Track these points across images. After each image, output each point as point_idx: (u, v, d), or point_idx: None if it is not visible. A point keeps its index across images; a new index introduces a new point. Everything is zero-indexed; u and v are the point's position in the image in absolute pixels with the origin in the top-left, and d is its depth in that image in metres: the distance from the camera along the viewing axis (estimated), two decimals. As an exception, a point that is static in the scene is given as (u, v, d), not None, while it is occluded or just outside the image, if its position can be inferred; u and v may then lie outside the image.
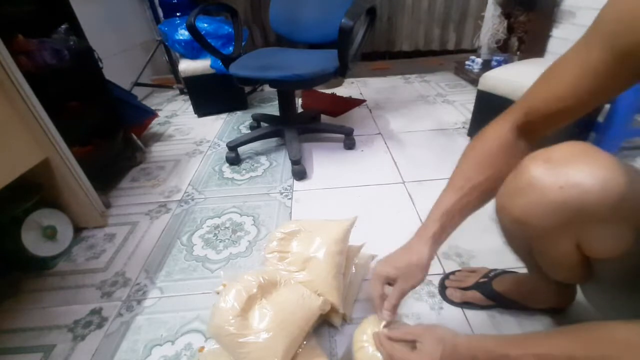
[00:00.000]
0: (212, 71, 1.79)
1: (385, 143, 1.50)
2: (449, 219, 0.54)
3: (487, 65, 2.06)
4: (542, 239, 0.50)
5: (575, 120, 0.48)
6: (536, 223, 0.46)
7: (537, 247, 0.54)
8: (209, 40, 1.33)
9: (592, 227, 0.44)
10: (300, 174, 1.28)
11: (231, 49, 1.63)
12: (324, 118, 1.78)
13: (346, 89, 2.18)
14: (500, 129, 0.53)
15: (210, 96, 1.90)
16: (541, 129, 0.51)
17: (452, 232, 0.56)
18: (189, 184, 1.31)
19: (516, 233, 0.56)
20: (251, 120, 1.72)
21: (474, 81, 2.02)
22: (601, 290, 0.56)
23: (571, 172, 0.42)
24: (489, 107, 1.32)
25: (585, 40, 0.43)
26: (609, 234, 0.44)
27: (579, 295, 0.71)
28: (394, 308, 0.58)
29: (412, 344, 0.53)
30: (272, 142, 1.58)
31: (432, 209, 0.56)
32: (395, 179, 1.25)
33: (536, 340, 0.44)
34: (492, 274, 0.79)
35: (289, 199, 1.19)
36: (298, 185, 1.26)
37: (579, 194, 0.41)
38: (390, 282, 0.58)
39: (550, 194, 0.43)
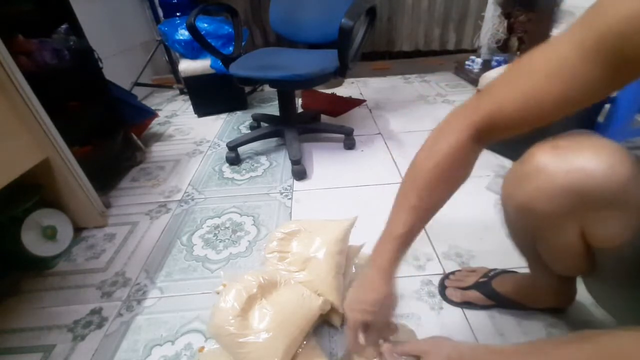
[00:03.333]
0: (212, 71, 1.79)
1: (385, 143, 1.50)
2: (403, 243, 0.51)
3: (487, 65, 2.06)
4: (546, 226, 0.50)
5: (542, 125, 0.42)
6: (542, 208, 0.46)
7: (541, 236, 0.54)
8: (209, 40, 1.33)
9: (596, 213, 0.44)
10: (300, 174, 1.28)
11: (231, 49, 1.63)
12: (324, 118, 1.78)
13: (346, 89, 2.18)
14: (460, 136, 0.45)
15: (210, 96, 1.89)
16: (502, 134, 0.44)
17: (407, 252, 0.53)
18: (189, 184, 1.31)
19: (521, 222, 0.56)
20: (251, 120, 1.72)
21: (474, 81, 2.02)
22: (603, 283, 0.56)
23: (577, 158, 0.42)
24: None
25: (575, 38, 0.37)
26: (612, 221, 0.44)
27: (579, 295, 0.71)
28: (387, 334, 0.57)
29: (416, 358, 0.52)
30: (272, 142, 1.57)
31: (386, 233, 0.52)
32: (395, 179, 1.25)
33: (539, 353, 0.42)
34: (492, 273, 0.79)
35: (289, 199, 1.19)
36: (298, 185, 1.26)
37: (585, 179, 0.42)
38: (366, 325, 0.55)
39: (556, 179, 0.43)
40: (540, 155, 0.46)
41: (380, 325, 0.55)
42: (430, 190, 0.48)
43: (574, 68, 0.36)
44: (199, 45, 1.32)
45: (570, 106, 0.39)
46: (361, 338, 0.54)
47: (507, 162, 1.27)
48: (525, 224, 0.54)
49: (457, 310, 0.77)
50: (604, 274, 0.53)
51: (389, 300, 0.54)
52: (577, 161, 0.43)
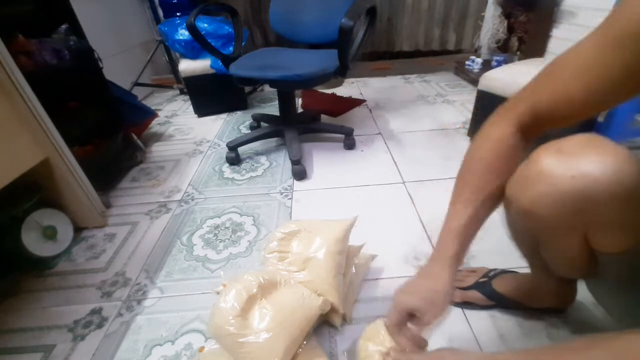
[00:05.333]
0: (212, 71, 1.79)
1: (385, 143, 1.50)
2: (465, 236, 0.49)
3: (487, 65, 2.06)
4: (549, 230, 0.50)
5: (579, 121, 0.44)
6: (545, 213, 0.46)
7: (544, 240, 0.54)
8: (209, 40, 1.33)
9: (601, 219, 0.44)
10: (300, 174, 1.28)
11: (231, 49, 1.63)
12: (324, 118, 1.78)
13: (346, 89, 2.18)
14: (504, 129, 0.48)
15: (210, 96, 1.89)
16: (542, 129, 0.47)
17: (469, 248, 0.51)
18: (189, 184, 1.31)
19: (523, 225, 0.55)
20: (251, 120, 1.72)
21: (474, 81, 2.02)
22: (605, 286, 0.56)
23: (583, 162, 0.42)
24: (489, 107, 1.31)
25: (599, 38, 0.39)
26: (617, 227, 0.44)
27: (580, 295, 0.71)
28: (419, 341, 0.53)
29: None
30: (272, 142, 1.57)
31: (445, 227, 0.51)
32: (395, 179, 1.25)
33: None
34: (492, 273, 0.79)
35: (289, 199, 1.19)
36: (298, 185, 1.26)
37: (590, 184, 0.41)
38: (412, 313, 0.50)
39: (561, 184, 0.43)
40: (544, 159, 0.45)
41: (421, 321, 0.50)
42: (481, 180, 0.49)
43: (597, 67, 0.38)
44: (199, 45, 1.31)
45: (597, 104, 0.41)
46: (409, 325, 0.51)
47: (507, 162, 1.27)
48: (528, 227, 0.54)
49: (457, 311, 0.77)
50: (607, 277, 0.53)
51: (443, 293, 0.49)
52: (582, 166, 0.42)
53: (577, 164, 0.42)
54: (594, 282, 0.59)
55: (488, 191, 0.49)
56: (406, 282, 0.53)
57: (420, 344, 0.53)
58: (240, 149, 1.45)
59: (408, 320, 0.52)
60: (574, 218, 0.45)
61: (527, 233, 0.57)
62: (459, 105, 1.83)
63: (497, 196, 0.50)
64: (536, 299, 0.72)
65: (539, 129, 0.47)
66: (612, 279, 0.52)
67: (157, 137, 1.72)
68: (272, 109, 1.96)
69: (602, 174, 0.40)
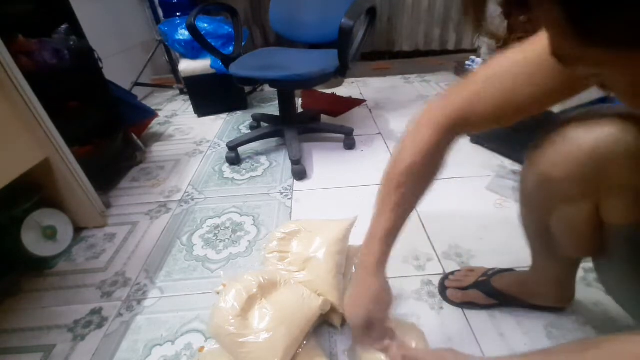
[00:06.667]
0: (212, 71, 1.79)
1: (385, 143, 1.50)
2: (388, 242, 0.54)
3: (487, 65, 2.06)
4: (565, 197, 0.51)
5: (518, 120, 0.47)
6: (565, 176, 0.48)
7: (557, 208, 0.54)
8: (209, 40, 1.33)
9: (617, 183, 0.45)
10: (300, 174, 1.28)
11: (231, 49, 1.63)
12: (324, 118, 1.78)
13: (346, 89, 2.18)
14: (435, 131, 0.48)
15: (210, 96, 1.90)
16: (475, 128, 0.50)
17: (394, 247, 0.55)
18: (189, 184, 1.31)
19: (539, 194, 0.56)
20: (251, 120, 1.72)
21: (474, 81, 2.02)
22: (614, 269, 0.56)
23: (606, 125, 0.44)
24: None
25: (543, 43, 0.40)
26: (632, 192, 0.45)
27: (579, 295, 0.71)
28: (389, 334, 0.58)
29: None
30: (272, 142, 1.58)
31: (372, 233, 0.55)
32: (395, 179, 1.25)
33: None
34: (491, 272, 0.79)
35: (289, 199, 1.19)
36: (298, 185, 1.26)
37: (612, 145, 0.43)
38: (370, 322, 0.56)
39: (584, 144, 0.45)
40: (568, 125, 0.47)
41: (380, 322, 0.55)
42: (409, 188, 0.51)
43: (541, 71, 0.41)
44: (199, 45, 1.32)
45: (541, 104, 0.44)
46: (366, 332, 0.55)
47: (507, 162, 1.27)
48: (543, 195, 0.55)
49: (457, 310, 0.77)
50: (616, 257, 0.53)
51: (383, 295, 0.55)
52: (604, 128, 0.44)
53: (600, 126, 0.45)
54: (602, 266, 0.59)
55: (414, 198, 0.53)
56: (348, 300, 0.58)
57: (391, 336, 0.57)
58: (240, 149, 1.45)
59: (370, 328, 0.55)
60: (590, 183, 0.46)
61: (540, 203, 0.57)
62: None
63: (420, 200, 0.54)
64: (536, 295, 0.72)
65: (471, 128, 0.49)
66: (621, 258, 0.52)
67: (157, 137, 1.72)
68: (272, 109, 1.96)
69: (625, 135, 0.42)
